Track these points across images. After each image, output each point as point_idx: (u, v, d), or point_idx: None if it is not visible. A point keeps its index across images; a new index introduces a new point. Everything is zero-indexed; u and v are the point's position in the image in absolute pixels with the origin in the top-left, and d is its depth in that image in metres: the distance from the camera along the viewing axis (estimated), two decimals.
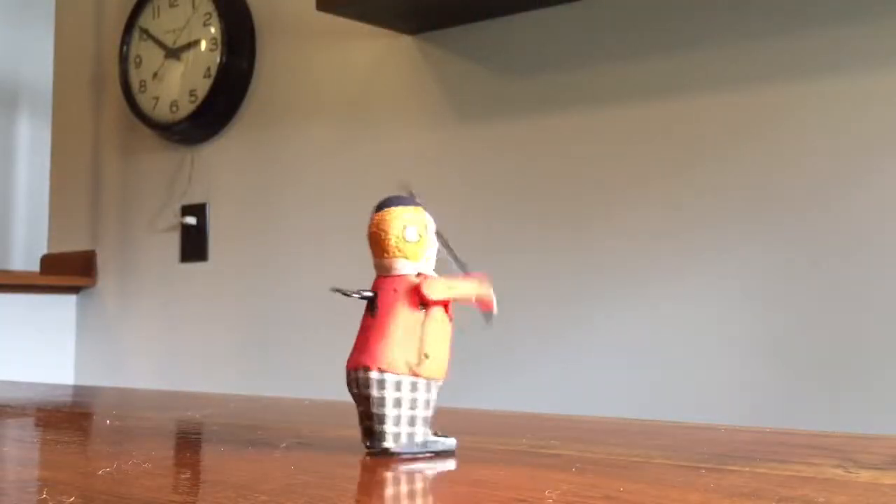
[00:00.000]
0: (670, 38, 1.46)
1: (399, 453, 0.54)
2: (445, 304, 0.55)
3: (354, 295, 0.55)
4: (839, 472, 0.50)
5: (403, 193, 0.56)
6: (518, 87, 1.62)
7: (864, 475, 0.49)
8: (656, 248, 1.45)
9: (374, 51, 1.82)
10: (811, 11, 1.34)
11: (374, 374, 0.53)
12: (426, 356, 0.54)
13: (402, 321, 0.54)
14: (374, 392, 0.53)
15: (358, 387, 0.54)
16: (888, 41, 1.29)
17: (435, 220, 0.57)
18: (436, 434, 0.56)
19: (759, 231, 1.37)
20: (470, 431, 0.66)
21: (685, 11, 1.45)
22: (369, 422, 0.54)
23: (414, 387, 0.54)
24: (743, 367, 1.37)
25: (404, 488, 0.48)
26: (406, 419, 0.54)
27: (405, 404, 0.54)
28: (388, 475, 0.51)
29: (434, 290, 0.54)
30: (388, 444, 0.54)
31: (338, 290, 0.55)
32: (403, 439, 0.54)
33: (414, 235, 0.55)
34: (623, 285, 1.48)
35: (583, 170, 1.54)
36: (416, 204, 0.56)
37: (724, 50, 1.41)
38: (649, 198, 1.47)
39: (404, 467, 0.52)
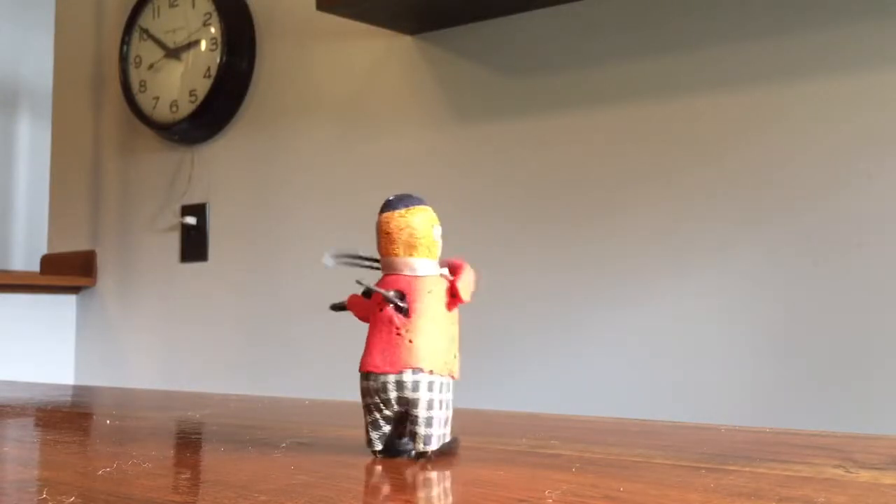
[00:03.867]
0: (669, 38, 1.47)
1: (438, 454, 0.54)
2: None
3: (391, 297, 0.53)
4: (839, 472, 0.50)
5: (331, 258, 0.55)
6: (517, 87, 1.63)
7: (864, 475, 0.49)
8: (656, 248, 1.45)
9: (373, 51, 1.82)
10: (810, 11, 1.34)
11: (424, 377, 0.52)
12: (456, 356, 0.54)
13: (442, 322, 0.54)
14: (424, 395, 0.52)
15: (400, 390, 0.53)
16: (887, 41, 1.29)
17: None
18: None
19: (759, 231, 1.37)
20: (470, 431, 0.66)
21: (684, 11, 1.45)
22: (397, 426, 0.54)
23: (449, 387, 0.54)
24: (743, 367, 1.37)
25: (404, 488, 0.48)
26: (444, 420, 0.54)
27: (444, 405, 0.54)
28: (388, 475, 0.51)
29: (467, 293, 0.54)
30: (433, 446, 0.53)
31: (369, 289, 0.54)
32: (445, 440, 0.54)
33: (439, 235, 0.55)
34: (623, 285, 1.48)
35: (582, 169, 1.54)
36: (424, 203, 0.56)
37: (724, 50, 1.41)
38: (649, 197, 1.47)
39: (404, 467, 0.52)
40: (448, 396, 0.54)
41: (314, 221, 1.89)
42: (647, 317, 1.45)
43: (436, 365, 0.53)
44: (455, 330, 0.55)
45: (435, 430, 0.53)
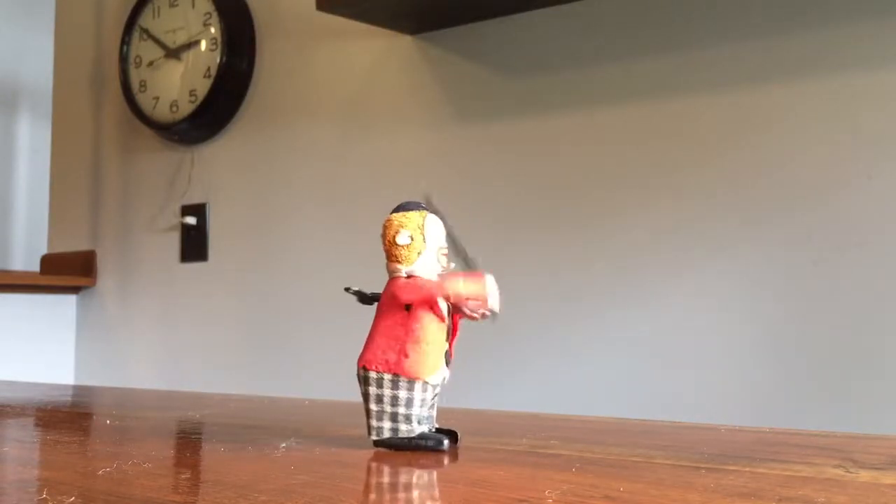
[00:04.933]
0: (669, 38, 1.46)
1: (387, 446, 0.57)
2: (432, 305, 0.57)
3: (367, 294, 0.60)
4: (839, 472, 0.50)
5: (421, 200, 0.59)
6: (518, 87, 1.62)
7: (864, 475, 0.49)
8: (656, 248, 1.45)
9: (373, 51, 1.82)
10: (810, 11, 1.34)
11: (360, 372, 0.58)
12: (405, 355, 0.56)
13: (386, 321, 0.57)
14: (361, 388, 0.58)
15: (358, 382, 0.58)
16: (887, 41, 1.29)
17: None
18: (439, 430, 0.58)
19: (759, 231, 1.37)
20: (470, 431, 0.66)
21: (684, 12, 1.45)
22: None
23: (394, 384, 0.57)
24: (743, 367, 1.37)
25: (404, 488, 0.48)
26: (388, 415, 0.57)
27: (386, 400, 0.57)
28: (388, 475, 0.51)
29: (405, 291, 0.57)
30: (373, 436, 0.58)
31: (352, 291, 0.60)
32: (386, 433, 0.57)
33: (405, 239, 0.57)
34: (622, 285, 1.48)
35: (582, 170, 1.54)
36: (419, 208, 0.58)
37: (724, 50, 1.41)
38: (648, 198, 1.47)
39: (404, 467, 0.52)
40: (395, 394, 0.57)
41: (314, 221, 1.89)
42: (647, 316, 1.45)
43: (372, 361, 0.57)
44: (417, 329, 0.56)
45: (374, 423, 0.57)
